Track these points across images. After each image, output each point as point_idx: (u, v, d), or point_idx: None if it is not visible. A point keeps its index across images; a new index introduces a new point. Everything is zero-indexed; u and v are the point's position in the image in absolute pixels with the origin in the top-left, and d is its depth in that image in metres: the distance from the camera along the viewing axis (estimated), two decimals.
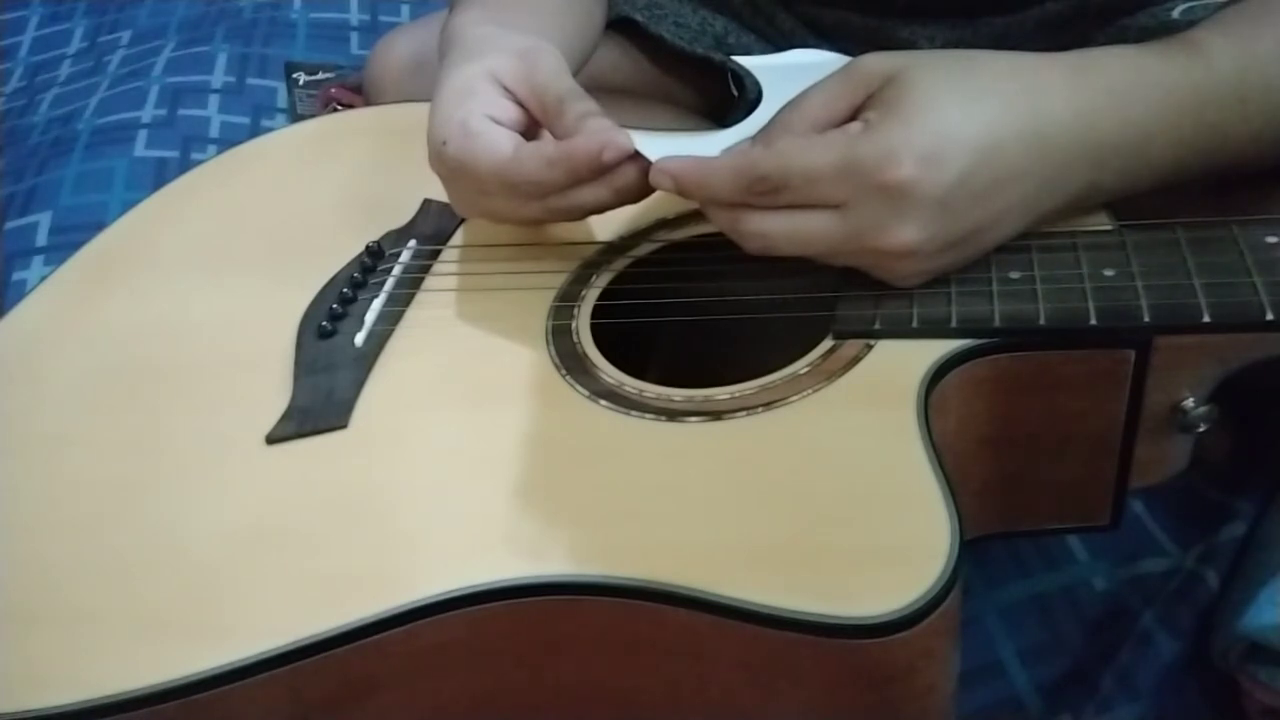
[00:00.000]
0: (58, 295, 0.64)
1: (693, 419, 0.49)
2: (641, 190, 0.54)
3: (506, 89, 0.56)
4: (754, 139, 0.53)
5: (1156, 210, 0.51)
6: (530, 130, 0.57)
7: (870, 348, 0.50)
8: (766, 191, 0.49)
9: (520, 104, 0.57)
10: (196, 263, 0.64)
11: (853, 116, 0.50)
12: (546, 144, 0.54)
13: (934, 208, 0.47)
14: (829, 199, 0.48)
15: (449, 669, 0.46)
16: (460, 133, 0.54)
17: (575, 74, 0.59)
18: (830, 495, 0.45)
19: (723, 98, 0.75)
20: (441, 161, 0.56)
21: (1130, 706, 0.61)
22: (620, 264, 0.59)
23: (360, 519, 0.49)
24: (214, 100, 1.10)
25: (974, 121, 0.47)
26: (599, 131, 0.53)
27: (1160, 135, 0.50)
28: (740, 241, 0.51)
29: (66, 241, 0.91)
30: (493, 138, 0.54)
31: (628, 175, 0.53)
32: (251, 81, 1.13)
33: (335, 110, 1.02)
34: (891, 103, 0.48)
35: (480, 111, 0.55)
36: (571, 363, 0.53)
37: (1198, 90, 0.50)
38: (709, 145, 0.54)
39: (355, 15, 1.25)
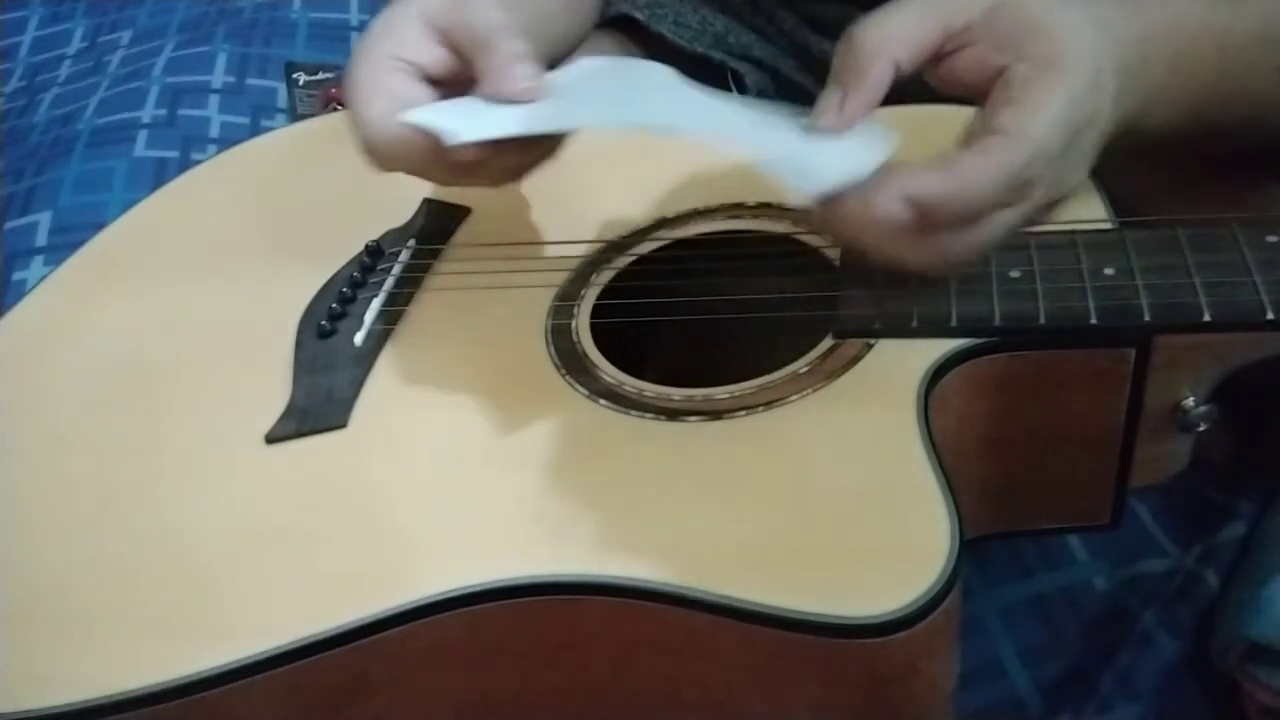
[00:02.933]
0: (57, 295, 0.64)
1: (692, 418, 0.49)
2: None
3: (436, 29, 0.53)
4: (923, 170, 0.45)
5: (1159, 206, 0.51)
6: (456, 75, 0.54)
7: (870, 347, 0.50)
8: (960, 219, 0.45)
9: (448, 47, 0.53)
10: (196, 262, 0.64)
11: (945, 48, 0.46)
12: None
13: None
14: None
15: (448, 669, 0.46)
16: (367, 125, 0.52)
17: (558, 59, 0.57)
18: (830, 495, 0.45)
19: None
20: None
21: (1130, 706, 0.60)
22: (620, 263, 0.59)
23: (360, 519, 0.49)
24: (214, 100, 1.10)
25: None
26: (521, 78, 0.50)
27: (1184, 72, 0.49)
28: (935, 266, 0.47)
29: (66, 241, 0.91)
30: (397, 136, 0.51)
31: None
32: (251, 81, 1.13)
33: (335, 110, 1.01)
34: (1029, 55, 0.44)
35: (389, 64, 0.52)
36: (571, 362, 0.53)
37: (1222, 31, 0.49)
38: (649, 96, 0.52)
39: (355, 15, 1.25)
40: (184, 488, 0.51)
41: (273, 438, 0.52)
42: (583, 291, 0.57)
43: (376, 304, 0.58)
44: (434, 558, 0.46)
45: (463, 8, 0.53)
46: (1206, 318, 0.47)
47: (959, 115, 0.61)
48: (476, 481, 0.49)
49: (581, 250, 0.59)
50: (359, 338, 0.57)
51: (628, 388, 0.51)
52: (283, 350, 0.57)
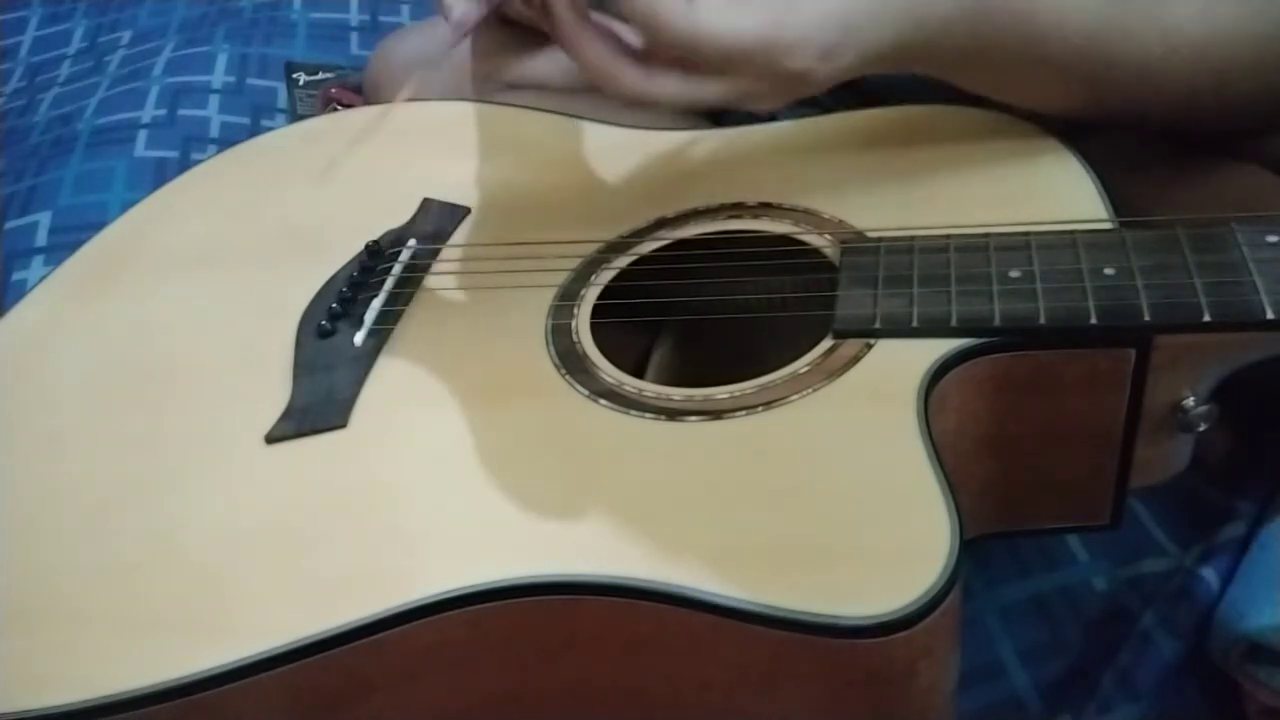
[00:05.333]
0: (57, 295, 0.64)
1: (692, 418, 0.49)
2: None
3: None
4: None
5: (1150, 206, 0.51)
6: None
7: (870, 347, 0.50)
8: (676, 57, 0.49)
9: None
10: (195, 262, 0.64)
11: None
12: None
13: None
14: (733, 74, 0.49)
15: (448, 669, 0.46)
16: None
17: None
18: (830, 495, 0.45)
19: None
20: None
21: (1130, 706, 0.60)
22: (621, 262, 0.59)
23: (360, 519, 0.49)
24: (214, 100, 1.10)
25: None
26: None
27: None
28: (620, 93, 0.51)
29: (66, 241, 0.91)
30: None
31: None
32: (251, 81, 1.13)
33: (335, 110, 1.02)
34: None
35: None
36: (571, 362, 0.53)
37: None
38: None
39: (355, 15, 1.25)
40: (184, 488, 0.51)
41: (273, 438, 0.52)
42: (583, 291, 0.57)
43: (377, 304, 0.58)
44: (434, 558, 0.46)
45: None
46: (1206, 318, 0.47)
47: (959, 115, 0.61)
48: (476, 481, 0.49)
49: (581, 250, 0.59)
50: (359, 338, 0.57)
51: (628, 388, 0.51)
52: (283, 350, 0.57)
